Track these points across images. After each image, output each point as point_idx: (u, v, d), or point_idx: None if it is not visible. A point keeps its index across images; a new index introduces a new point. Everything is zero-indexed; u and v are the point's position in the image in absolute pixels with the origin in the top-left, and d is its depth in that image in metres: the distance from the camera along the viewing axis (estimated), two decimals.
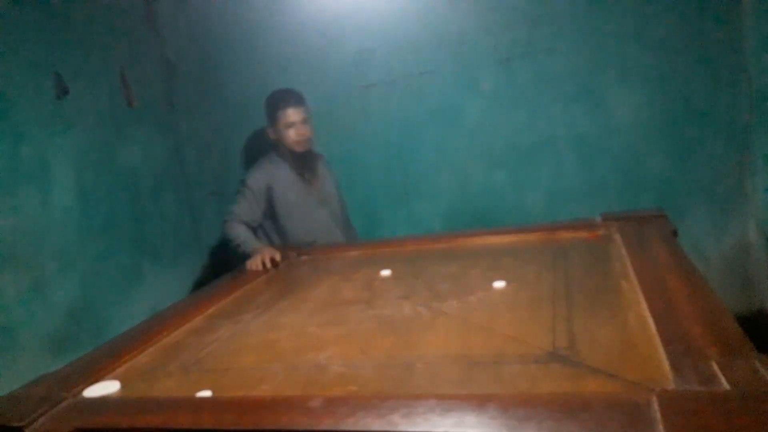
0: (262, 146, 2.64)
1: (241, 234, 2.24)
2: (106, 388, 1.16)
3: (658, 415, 0.73)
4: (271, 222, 2.42)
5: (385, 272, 1.73)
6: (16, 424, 0.98)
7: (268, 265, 2.01)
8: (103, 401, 1.09)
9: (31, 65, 2.06)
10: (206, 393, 1.06)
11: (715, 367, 0.83)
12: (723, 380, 0.80)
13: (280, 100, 2.34)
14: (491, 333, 1.16)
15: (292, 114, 2.31)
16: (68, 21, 2.25)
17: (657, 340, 0.98)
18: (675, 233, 1.65)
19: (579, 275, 1.45)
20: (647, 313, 1.10)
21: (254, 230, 2.34)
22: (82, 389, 1.14)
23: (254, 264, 2.03)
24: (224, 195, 3.09)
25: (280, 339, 1.32)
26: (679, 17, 2.34)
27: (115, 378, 1.20)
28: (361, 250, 2.10)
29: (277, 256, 2.04)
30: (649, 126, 2.45)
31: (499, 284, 1.45)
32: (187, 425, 0.92)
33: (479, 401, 0.83)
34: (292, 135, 2.32)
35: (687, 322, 1.01)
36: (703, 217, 2.45)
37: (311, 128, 2.37)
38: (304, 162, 2.40)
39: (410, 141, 2.76)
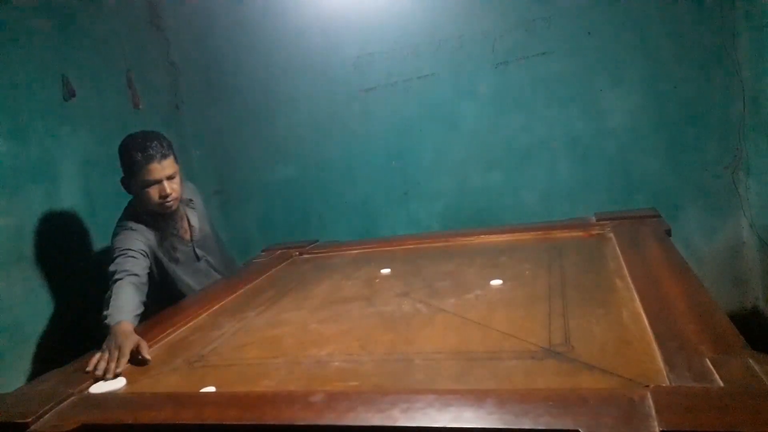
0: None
1: (119, 298, 1.54)
2: (113, 384, 1.15)
3: (653, 411, 0.72)
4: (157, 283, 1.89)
5: (385, 270, 1.72)
6: (22, 421, 0.97)
7: (100, 372, 1.20)
8: (108, 397, 1.09)
9: (39, 68, 2.05)
10: (210, 389, 1.06)
11: (709, 363, 0.83)
12: (716, 377, 0.79)
13: (137, 152, 1.73)
14: (488, 329, 1.16)
15: (156, 171, 1.73)
16: (75, 24, 2.24)
17: (651, 337, 0.98)
18: (669, 232, 1.64)
19: (574, 273, 1.45)
20: (641, 311, 1.09)
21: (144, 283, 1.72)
22: (88, 386, 1.14)
23: (92, 366, 1.24)
24: (228, 194, 3.10)
25: (283, 335, 1.32)
26: (673, 21, 2.34)
27: (120, 374, 1.20)
28: (361, 249, 2.10)
29: (113, 370, 1.21)
30: (643, 127, 2.45)
31: (496, 282, 1.44)
32: (191, 420, 0.91)
33: (477, 396, 0.83)
34: (155, 197, 1.76)
35: (681, 320, 1.01)
36: (697, 216, 2.44)
37: (179, 182, 1.81)
38: (169, 222, 1.86)
39: (409, 143, 2.76)
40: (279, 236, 2.86)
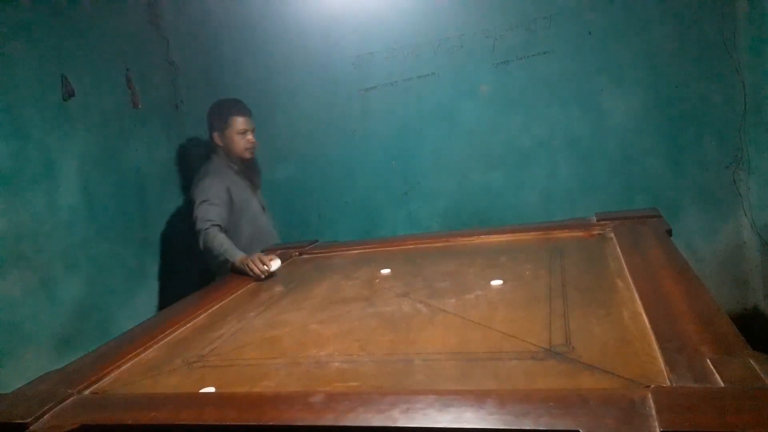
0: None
1: (224, 243, 2.04)
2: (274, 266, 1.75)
3: (653, 412, 0.73)
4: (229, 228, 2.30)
5: (385, 271, 1.72)
6: (21, 421, 0.97)
7: (266, 268, 1.85)
8: (108, 398, 1.09)
9: (38, 67, 2.05)
10: (210, 389, 1.06)
11: (710, 364, 0.83)
12: (717, 377, 0.79)
13: (232, 107, 2.36)
14: (489, 330, 1.16)
15: (244, 122, 2.35)
16: (74, 24, 2.24)
17: (652, 338, 0.98)
18: (669, 232, 1.64)
19: (575, 274, 1.45)
20: (642, 311, 1.09)
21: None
22: (87, 386, 1.14)
23: (254, 273, 1.86)
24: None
25: (282, 336, 1.32)
26: (674, 20, 2.34)
27: (120, 375, 1.20)
28: (361, 249, 2.10)
29: (268, 261, 1.87)
30: (644, 127, 2.45)
31: (496, 282, 1.45)
32: (190, 421, 0.92)
33: (477, 397, 0.83)
34: (243, 142, 2.35)
35: (681, 320, 1.01)
36: (698, 216, 2.44)
37: (255, 136, 2.41)
38: (248, 170, 2.42)
39: (409, 142, 2.76)
40: (279, 237, 2.86)
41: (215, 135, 2.37)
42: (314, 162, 2.91)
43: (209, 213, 2.14)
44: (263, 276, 1.85)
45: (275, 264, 1.87)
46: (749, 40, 2.22)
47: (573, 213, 2.41)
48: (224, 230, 2.14)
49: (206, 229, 2.10)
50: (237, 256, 1.97)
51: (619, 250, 1.53)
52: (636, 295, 1.18)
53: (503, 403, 0.81)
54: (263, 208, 2.47)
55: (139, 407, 1.00)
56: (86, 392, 1.11)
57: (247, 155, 2.37)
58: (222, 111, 2.36)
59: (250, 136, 2.36)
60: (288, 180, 2.96)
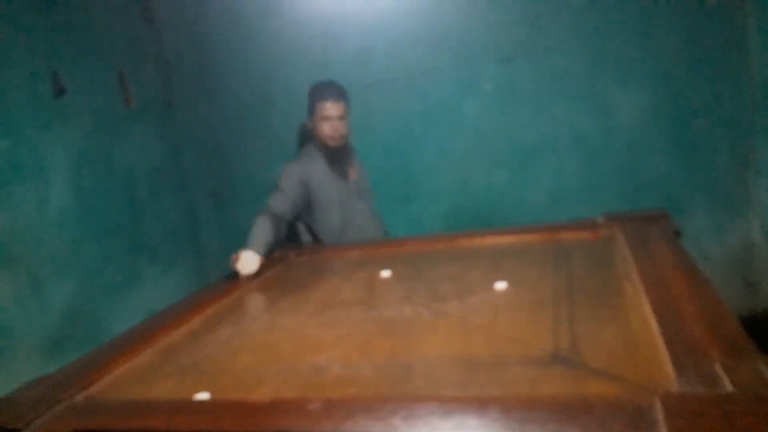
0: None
1: (253, 231, 2.11)
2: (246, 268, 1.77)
3: (662, 418, 0.73)
4: (310, 217, 2.37)
5: (386, 273, 1.73)
6: (13, 426, 0.98)
7: (233, 268, 1.88)
8: (100, 403, 1.09)
9: (29, 64, 2.06)
10: (204, 395, 1.06)
11: (719, 369, 0.83)
12: (726, 382, 0.80)
13: (320, 91, 2.30)
14: (492, 334, 1.16)
15: (330, 108, 2.27)
16: (66, 20, 2.25)
17: (660, 342, 0.98)
18: (678, 233, 1.64)
19: (581, 276, 1.45)
20: (650, 315, 1.10)
21: (289, 224, 2.29)
22: (79, 392, 1.14)
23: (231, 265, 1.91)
24: (223, 194, 3.10)
25: (279, 340, 1.32)
26: (682, 16, 2.34)
27: (112, 380, 1.20)
28: (361, 251, 2.10)
29: (240, 262, 1.90)
30: (652, 125, 2.45)
31: (500, 285, 1.45)
32: (184, 428, 0.92)
33: (480, 403, 0.83)
34: (326, 129, 2.29)
35: (690, 324, 1.01)
36: (707, 217, 2.45)
37: (348, 125, 2.33)
38: (337, 157, 2.36)
39: (411, 140, 2.76)
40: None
41: (308, 119, 2.36)
42: None
43: (270, 199, 2.24)
44: (238, 275, 1.88)
45: (242, 265, 1.88)
46: (759, 37, 2.22)
47: (579, 213, 2.41)
48: (281, 218, 2.21)
49: (258, 213, 2.18)
50: (247, 247, 2.01)
51: (626, 251, 1.53)
52: (644, 298, 1.18)
53: (507, 409, 0.81)
54: (359, 197, 2.40)
55: (132, 413, 1.00)
56: (78, 398, 1.11)
57: (331, 143, 2.31)
58: (312, 95, 2.32)
59: (335, 124, 2.28)
60: None
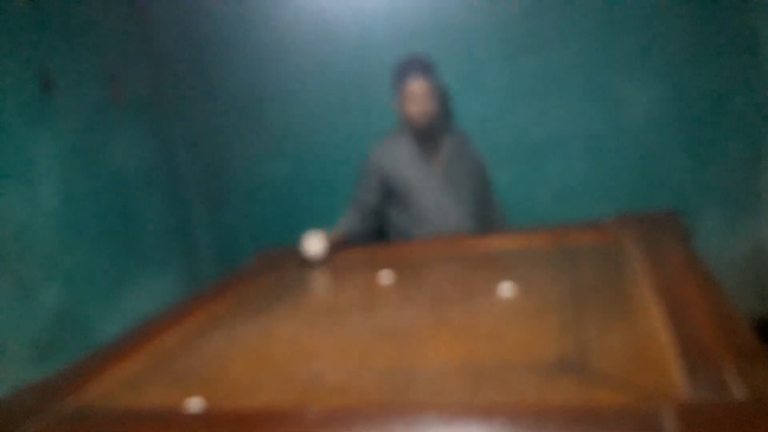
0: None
1: (339, 222, 2.19)
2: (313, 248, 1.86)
3: (672, 426, 0.73)
4: (394, 205, 2.31)
5: (387, 276, 1.73)
6: None
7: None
8: (92, 411, 1.10)
9: (17, 59, 2.06)
10: (197, 400, 1.06)
11: (730, 375, 0.84)
12: (738, 389, 0.80)
13: (403, 69, 2.19)
14: (497, 340, 1.17)
15: (413, 85, 2.15)
16: (55, 14, 2.25)
17: (670, 348, 0.98)
18: (689, 235, 1.65)
19: (589, 280, 1.45)
20: (660, 320, 1.10)
21: (378, 210, 2.30)
22: (69, 399, 1.14)
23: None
24: (217, 195, 3.11)
25: (275, 347, 1.33)
26: (693, 12, 2.35)
27: (103, 387, 1.20)
28: (360, 254, 2.10)
29: (305, 244, 2.01)
30: (662, 124, 2.46)
31: (505, 289, 1.45)
32: None
33: (485, 411, 0.84)
34: (411, 109, 2.17)
35: (701, 329, 1.02)
36: (718, 218, 2.45)
37: (436, 102, 2.20)
38: (424, 139, 2.24)
39: None
40: (271, 239, 2.86)
41: (395, 101, 2.27)
42: (310, 160, 2.92)
43: (356, 188, 2.31)
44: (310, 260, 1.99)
45: (306, 246, 1.99)
46: None
47: (587, 214, 2.41)
48: (366, 205, 2.27)
49: (350, 204, 2.29)
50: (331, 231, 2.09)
51: (635, 254, 1.53)
52: (653, 303, 1.19)
53: (513, 418, 0.81)
54: (446, 185, 2.26)
55: (124, 421, 1.01)
56: (68, 405, 1.12)
57: (417, 124, 2.19)
58: (396, 74, 2.21)
59: (420, 102, 2.15)
60: (282, 179, 2.97)
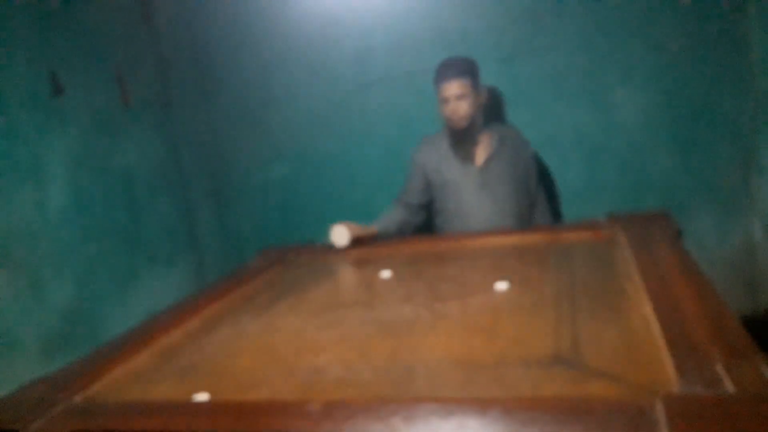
0: None
1: (380, 216, 2.25)
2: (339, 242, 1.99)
3: (663, 419, 0.73)
4: (434, 202, 2.35)
5: (386, 273, 1.73)
6: (11, 428, 0.98)
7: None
8: (99, 405, 1.10)
9: (26, 63, 2.06)
10: (203, 396, 1.06)
11: (720, 370, 0.84)
12: (728, 383, 0.80)
13: (437, 72, 2.19)
14: (493, 336, 1.17)
15: (446, 89, 2.15)
16: (64, 19, 2.25)
17: (661, 343, 0.98)
18: (679, 234, 1.65)
19: (582, 277, 1.45)
20: (652, 316, 1.10)
21: (422, 209, 2.34)
22: (77, 393, 1.14)
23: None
24: (222, 194, 3.11)
25: (278, 342, 1.33)
26: (684, 16, 2.34)
27: (110, 381, 1.20)
28: (360, 252, 2.10)
29: (331, 235, 2.10)
30: (654, 125, 2.46)
31: (501, 286, 1.45)
32: (183, 429, 0.92)
33: (481, 405, 0.84)
34: (445, 111, 2.19)
35: (692, 325, 1.02)
36: (708, 217, 2.45)
37: (471, 103, 2.16)
38: (461, 139, 2.24)
39: (411, 140, 2.76)
40: (275, 238, 2.87)
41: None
42: (311, 160, 2.92)
43: (404, 185, 2.35)
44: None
45: (333, 238, 2.10)
46: (761, 36, 2.22)
47: (581, 213, 2.42)
48: (408, 202, 2.32)
49: (396, 199, 2.34)
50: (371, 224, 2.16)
51: (628, 252, 1.53)
52: (645, 299, 1.19)
53: (508, 411, 0.81)
54: (484, 184, 2.24)
55: (130, 414, 1.01)
56: (77, 399, 1.12)
57: (452, 125, 2.19)
58: (434, 77, 2.20)
59: (452, 104, 2.15)
60: (284, 179, 2.97)
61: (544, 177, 2.46)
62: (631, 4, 2.39)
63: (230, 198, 3.10)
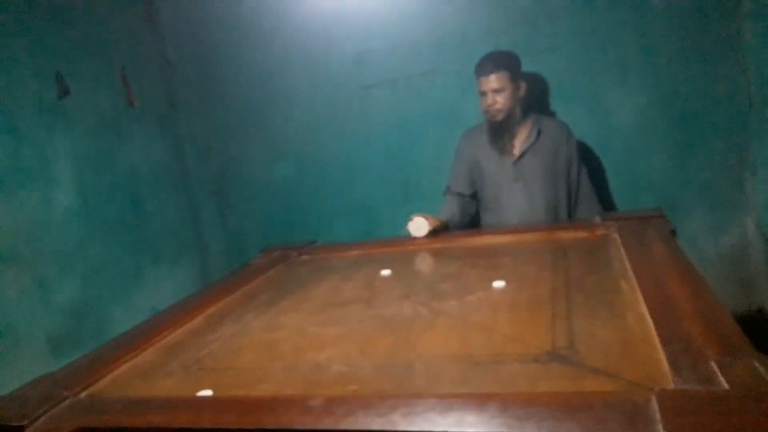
0: None
1: (440, 210, 2.25)
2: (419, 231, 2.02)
3: (658, 415, 0.73)
4: (478, 195, 2.38)
5: (385, 272, 1.73)
6: (17, 424, 0.98)
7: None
8: (104, 401, 1.10)
9: (33, 65, 2.06)
10: (207, 392, 1.06)
11: (714, 366, 0.83)
12: (722, 380, 0.80)
13: (477, 66, 2.21)
14: (491, 332, 1.16)
15: (483, 83, 2.18)
16: (69, 21, 2.25)
17: (656, 340, 0.98)
18: (674, 233, 1.65)
19: (578, 275, 1.45)
20: (646, 313, 1.10)
21: (471, 200, 2.36)
22: (83, 389, 1.14)
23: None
24: (225, 194, 3.11)
25: (281, 338, 1.32)
26: (679, 17, 2.34)
27: (115, 377, 1.20)
28: (361, 250, 2.10)
29: (411, 225, 2.10)
30: (648, 126, 2.46)
31: (498, 284, 1.45)
32: (187, 425, 0.92)
33: (479, 400, 0.83)
34: (482, 105, 2.22)
35: (686, 322, 1.02)
36: (702, 216, 2.45)
37: (507, 97, 2.17)
38: (498, 131, 2.24)
39: (411, 141, 2.77)
40: (277, 237, 2.87)
41: None
42: (313, 161, 2.92)
43: (451, 177, 2.38)
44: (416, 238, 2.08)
45: (413, 228, 2.09)
46: (754, 37, 2.22)
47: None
48: (460, 193, 2.34)
49: (446, 193, 2.37)
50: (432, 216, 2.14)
51: (623, 250, 1.53)
52: (640, 297, 1.18)
53: (505, 406, 0.81)
54: (517, 177, 2.24)
55: (136, 410, 1.00)
56: (82, 395, 1.11)
57: (489, 118, 2.22)
58: (475, 70, 2.22)
59: (489, 98, 2.17)
60: (286, 180, 2.97)
61: (589, 168, 2.37)
62: (626, 8, 2.39)
63: (233, 198, 3.10)
